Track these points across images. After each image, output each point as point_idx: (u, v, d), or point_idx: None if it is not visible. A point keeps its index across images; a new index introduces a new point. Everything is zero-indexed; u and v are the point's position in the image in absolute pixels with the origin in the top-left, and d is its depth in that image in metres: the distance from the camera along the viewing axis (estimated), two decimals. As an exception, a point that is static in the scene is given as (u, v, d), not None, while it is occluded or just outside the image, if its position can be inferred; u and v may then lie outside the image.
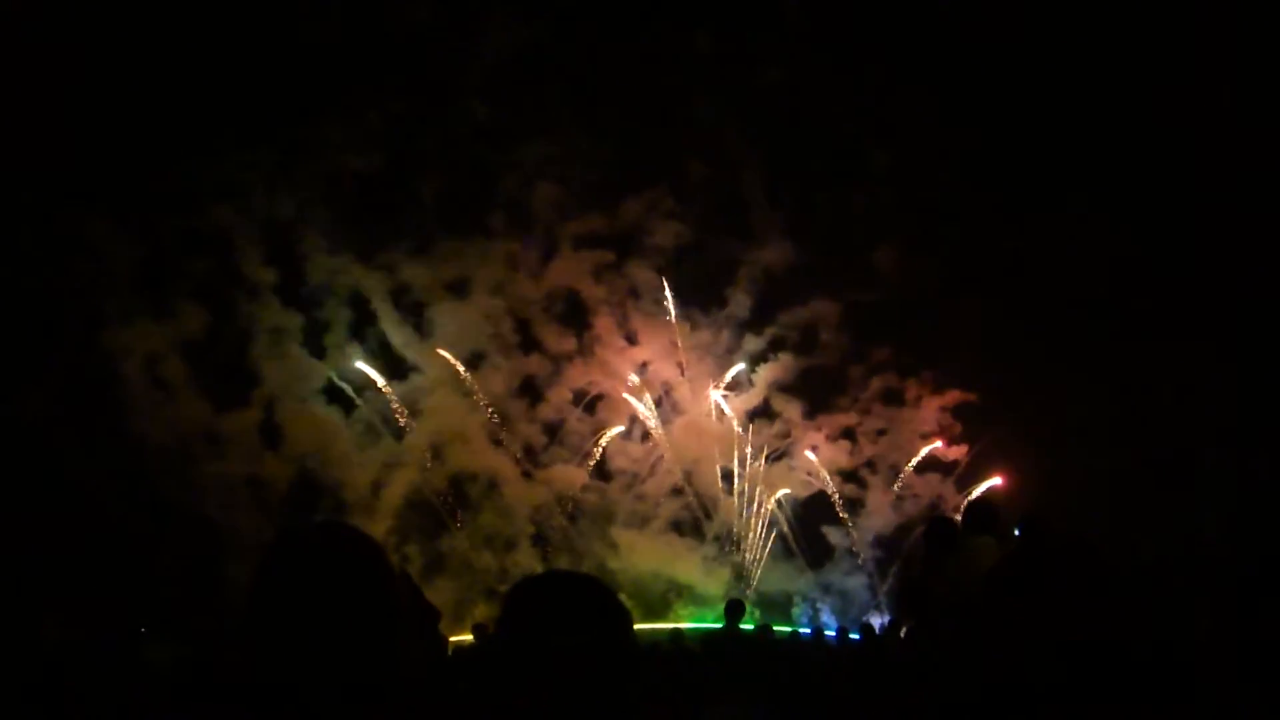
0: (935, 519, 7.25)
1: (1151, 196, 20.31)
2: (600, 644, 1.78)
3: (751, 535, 23.78)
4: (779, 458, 24.19)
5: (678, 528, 23.57)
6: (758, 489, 23.90)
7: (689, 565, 23.06)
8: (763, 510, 23.82)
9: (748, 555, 23.70)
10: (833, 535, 23.61)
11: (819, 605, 23.25)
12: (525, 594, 1.88)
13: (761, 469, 24.07)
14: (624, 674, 1.78)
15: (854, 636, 12.50)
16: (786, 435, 24.32)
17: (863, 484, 23.77)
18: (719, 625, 18.91)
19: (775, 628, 14.25)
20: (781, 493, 23.89)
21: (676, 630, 13.38)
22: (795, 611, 23.15)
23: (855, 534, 23.48)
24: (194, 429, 20.14)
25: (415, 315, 22.60)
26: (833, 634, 14.92)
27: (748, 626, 11.43)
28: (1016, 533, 6.26)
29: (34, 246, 18.61)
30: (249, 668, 1.65)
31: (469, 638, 12.03)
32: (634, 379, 23.91)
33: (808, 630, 17.40)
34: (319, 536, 1.80)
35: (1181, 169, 19.79)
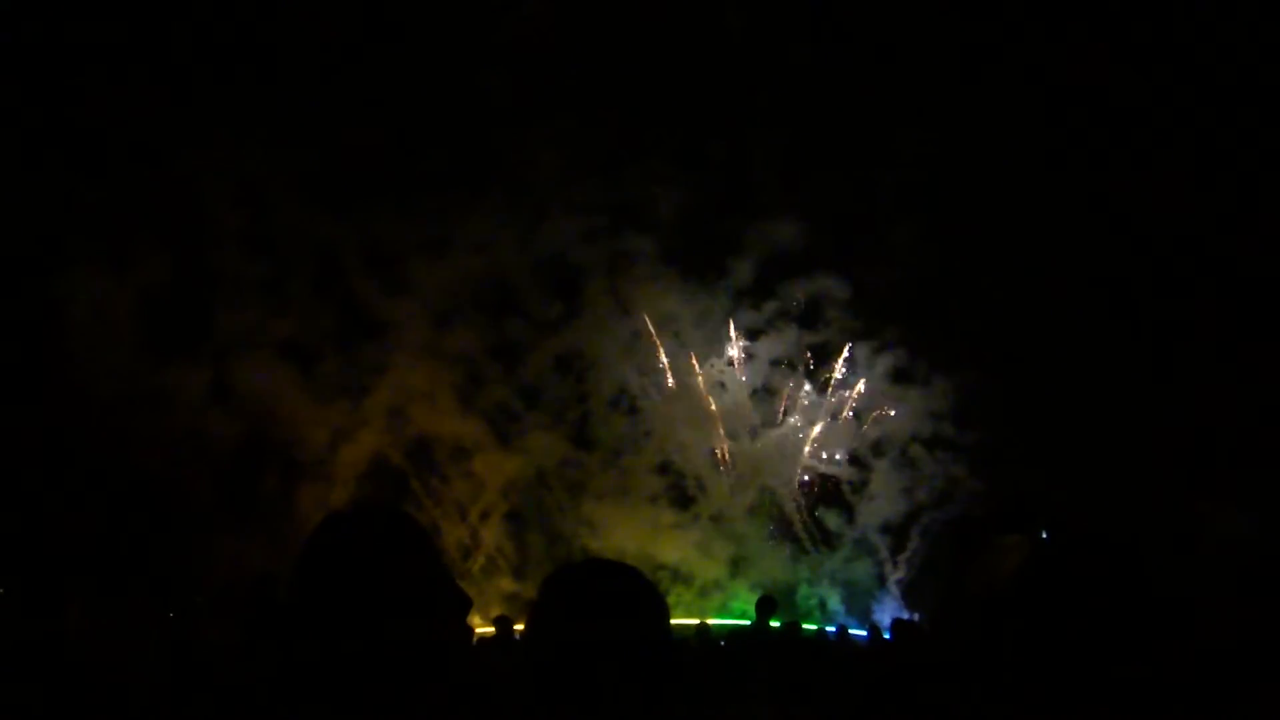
0: (963, 517, 6.64)
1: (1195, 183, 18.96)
2: (641, 637, 1.76)
3: (748, 518, 22.28)
4: (780, 436, 22.60)
5: (666, 505, 21.86)
6: (756, 469, 22.37)
7: (677, 547, 21.43)
8: (760, 492, 22.33)
9: (744, 539, 22.14)
10: (837, 521, 22.06)
11: (826, 596, 21.78)
12: (564, 583, 1.85)
13: (761, 448, 22.52)
14: (661, 667, 1.74)
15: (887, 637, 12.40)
16: (788, 413, 22.77)
17: (868, 467, 22.17)
18: (727, 620, 18.54)
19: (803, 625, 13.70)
20: (781, 473, 22.36)
21: (703, 624, 13.54)
22: (799, 598, 21.57)
23: (861, 519, 21.86)
24: (142, 383, 18.63)
25: (389, 270, 20.82)
26: (861, 633, 14.50)
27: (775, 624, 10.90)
28: (1044, 534, 5.45)
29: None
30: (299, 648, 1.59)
31: (490, 630, 11.23)
32: (624, 346, 22.39)
33: (833, 629, 17.05)
34: (370, 519, 1.74)
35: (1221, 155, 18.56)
